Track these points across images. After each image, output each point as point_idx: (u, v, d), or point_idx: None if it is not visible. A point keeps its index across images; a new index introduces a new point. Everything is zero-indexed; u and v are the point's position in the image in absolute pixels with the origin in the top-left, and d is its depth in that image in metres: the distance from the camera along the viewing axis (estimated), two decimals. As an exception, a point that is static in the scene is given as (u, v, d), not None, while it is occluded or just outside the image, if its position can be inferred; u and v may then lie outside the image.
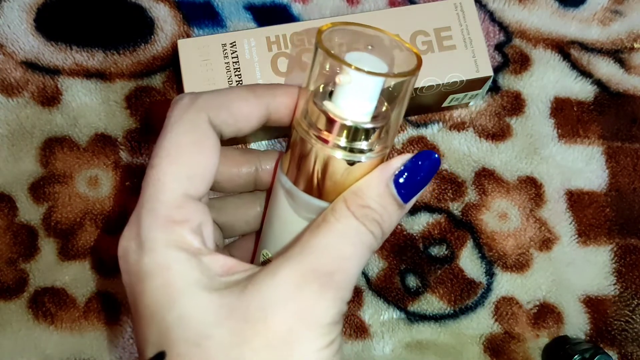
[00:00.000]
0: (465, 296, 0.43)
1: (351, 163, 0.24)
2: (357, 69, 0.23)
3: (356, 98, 0.24)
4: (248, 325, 0.21)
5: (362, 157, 0.24)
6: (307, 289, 0.21)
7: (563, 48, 0.47)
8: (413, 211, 0.44)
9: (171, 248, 0.22)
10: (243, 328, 0.21)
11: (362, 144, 0.24)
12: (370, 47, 0.25)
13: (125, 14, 0.45)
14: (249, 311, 0.21)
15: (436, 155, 0.24)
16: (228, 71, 0.39)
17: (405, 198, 0.24)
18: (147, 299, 0.22)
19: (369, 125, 0.24)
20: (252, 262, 0.30)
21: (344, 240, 0.23)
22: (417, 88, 0.40)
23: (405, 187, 0.24)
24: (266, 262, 0.26)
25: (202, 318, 0.21)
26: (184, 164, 0.24)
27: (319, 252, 0.22)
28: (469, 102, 0.45)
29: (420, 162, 0.24)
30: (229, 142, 0.43)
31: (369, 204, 0.24)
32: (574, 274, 0.43)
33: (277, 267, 0.22)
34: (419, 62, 0.24)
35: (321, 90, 0.25)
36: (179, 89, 0.44)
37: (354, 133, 0.24)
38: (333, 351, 0.22)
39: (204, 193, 0.24)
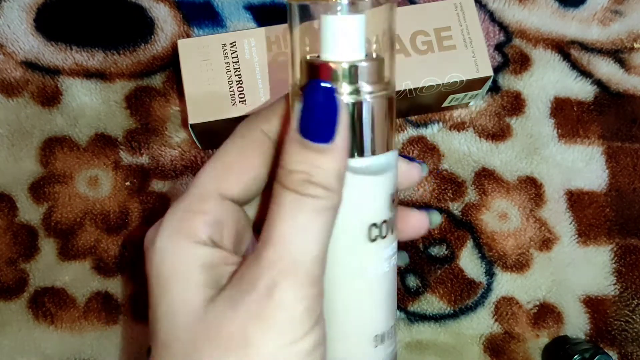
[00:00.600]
0: (465, 296, 0.43)
1: (356, 104, 0.24)
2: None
3: (343, 38, 0.23)
4: (211, 332, 0.21)
5: (367, 97, 0.24)
6: (273, 289, 0.21)
7: (563, 48, 0.47)
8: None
9: (175, 234, 0.22)
10: (208, 335, 0.21)
11: (363, 85, 0.24)
12: None
13: (125, 14, 0.45)
14: (221, 322, 0.21)
15: (323, 84, 0.23)
16: (228, 71, 0.39)
17: (321, 138, 0.22)
18: (151, 285, 0.23)
19: (364, 63, 0.24)
20: None
21: (288, 221, 0.22)
22: (417, 88, 0.40)
23: (312, 127, 0.22)
24: None
25: (181, 319, 0.22)
26: (222, 162, 0.24)
27: (274, 246, 0.21)
28: (469, 102, 0.45)
29: (311, 96, 0.22)
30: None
31: (291, 167, 0.22)
32: (574, 274, 0.43)
33: (243, 274, 0.22)
34: None
35: (308, 57, 0.25)
36: (179, 89, 0.44)
37: (351, 73, 0.23)
38: (309, 344, 0.21)
39: (240, 195, 0.24)
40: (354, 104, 0.24)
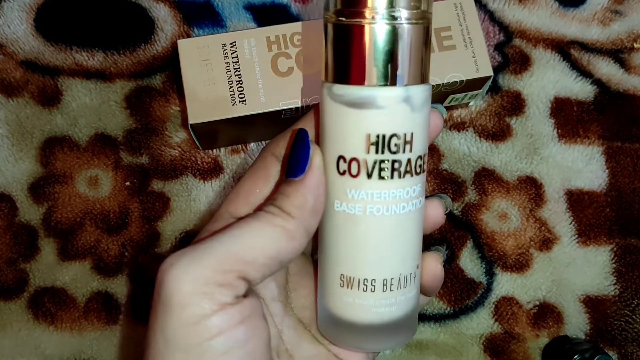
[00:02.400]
0: (465, 296, 0.43)
1: (394, 27, 0.24)
2: None
3: None
4: None
5: (404, 21, 0.24)
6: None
7: (563, 48, 0.47)
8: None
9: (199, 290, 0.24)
10: None
11: (400, 11, 0.24)
12: None
13: (125, 14, 0.45)
14: None
15: (301, 130, 0.27)
16: (228, 71, 0.39)
17: (292, 174, 0.26)
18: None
19: None
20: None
21: (241, 224, 0.25)
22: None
23: (288, 165, 0.26)
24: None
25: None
26: (238, 186, 0.29)
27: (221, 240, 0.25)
28: (468, 102, 0.45)
29: (294, 140, 0.27)
30: (228, 140, 0.43)
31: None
32: (574, 274, 0.43)
33: None
34: None
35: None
36: (179, 89, 0.44)
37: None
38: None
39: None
40: (395, 28, 0.24)
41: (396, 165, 0.25)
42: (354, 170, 0.25)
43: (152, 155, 0.43)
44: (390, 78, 0.25)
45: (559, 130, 0.45)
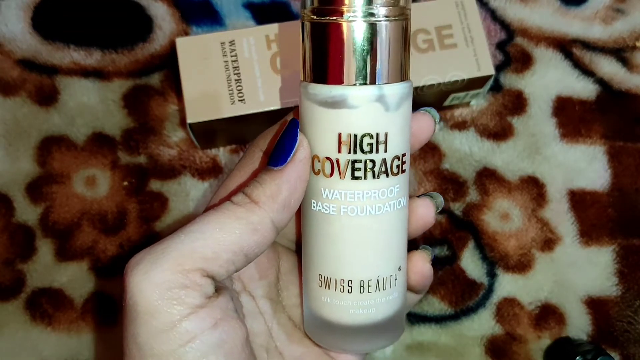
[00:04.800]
0: (466, 297, 0.42)
1: (369, 25, 0.24)
2: None
3: None
4: None
5: (381, 18, 0.24)
6: None
7: (565, 47, 0.46)
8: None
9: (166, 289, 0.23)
10: None
11: (378, 8, 0.24)
12: None
13: (123, 12, 0.45)
14: None
15: (292, 119, 0.26)
16: (227, 70, 0.38)
17: (274, 162, 0.25)
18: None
19: None
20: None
21: (205, 215, 0.24)
22: (417, 87, 0.39)
23: (272, 153, 0.25)
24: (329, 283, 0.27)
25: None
26: (227, 180, 0.28)
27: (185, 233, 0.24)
28: (470, 101, 0.44)
29: (282, 129, 0.26)
30: (221, 140, 0.43)
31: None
32: (576, 274, 0.43)
33: None
34: None
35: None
36: (178, 88, 0.43)
37: None
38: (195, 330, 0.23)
39: None
40: (374, 25, 0.24)
41: (369, 165, 0.25)
42: (327, 170, 0.25)
43: (150, 155, 0.42)
44: (363, 77, 0.24)
45: (561, 130, 0.45)
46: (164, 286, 0.22)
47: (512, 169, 0.44)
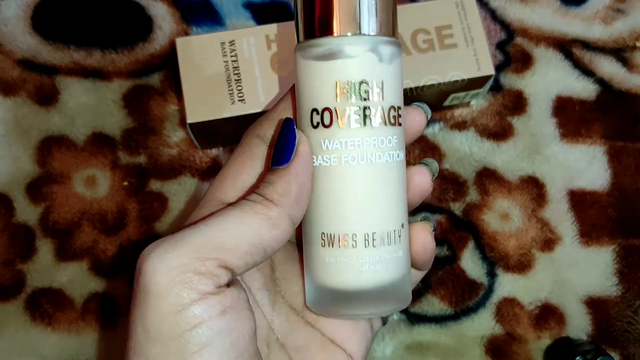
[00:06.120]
0: (466, 297, 0.42)
1: None
2: None
3: None
4: None
5: None
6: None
7: (565, 47, 0.46)
8: (414, 211, 0.43)
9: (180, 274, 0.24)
10: None
11: None
12: None
13: (123, 12, 0.45)
14: None
15: (287, 118, 0.26)
16: (227, 70, 0.38)
17: (277, 162, 0.26)
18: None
19: None
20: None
21: (223, 213, 0.25)
22: (417, 87, 0.39)
23: (274, 153, 0.26)
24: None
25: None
26: (223, 169, 0.28)
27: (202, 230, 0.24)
28: (470, 101, 0.44)
29: (280, 129, 0.26)
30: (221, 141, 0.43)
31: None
32: (576, 274, 0.43)
33: None
34: None
35: None
36: (178, 88, 0.43)
37: None
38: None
39: (237, 198, 0.27)
40: None
41: (367, 112, 0.25)
42: (326, 120, 0.26)
43: (150, 155, 0.42)
44: (357, 28, 0.25)
45: (561, 130, 0.45)
46: (178, 270, 0.23)
47: (512, 169, 0.44)
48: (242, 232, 0.24)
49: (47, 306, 0.40)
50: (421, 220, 0.28)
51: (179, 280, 0.22)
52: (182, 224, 0.26)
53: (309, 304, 0.28)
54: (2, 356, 0.39)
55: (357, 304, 0.27)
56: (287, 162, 0.25)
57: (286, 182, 0.25)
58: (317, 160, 0.26)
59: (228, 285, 0.24)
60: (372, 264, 0.26)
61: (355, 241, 0.26)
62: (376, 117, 0.26)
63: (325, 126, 0.26)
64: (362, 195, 0.26)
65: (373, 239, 0.26)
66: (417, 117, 0.28)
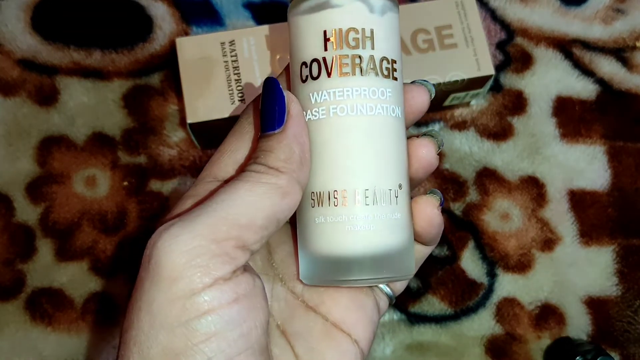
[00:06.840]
0: (466, 297, 0.42)
1: None
2: None
3: None
4: None
5: None
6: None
7: (565, 47, 0.46)
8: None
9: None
10: None
11: None
12: None
13: (123, 12, 0.45)
14: None
15: (268, 78, 0.25)
16: (227, 70, 0.38)
17: (270, 127, 0.24)
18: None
19: None
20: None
21: (228, 189, 0.23)
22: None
23: (263, 119, 0.24)
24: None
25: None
26: (218, 150, 0.27)
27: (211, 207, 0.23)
28: (470, 101, 0.44)
29: (262, 92, 0.25)
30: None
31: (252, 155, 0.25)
32: (576, 274, 0.43)
33: None
34: None
35: None
36: (178, 88, 0.43)
37: None
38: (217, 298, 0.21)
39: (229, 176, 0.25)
40: None
41: (357, 60, 0.25)
42: (315, 72, 0.25)
43: (150, 155, 0.42)
44: None
45: (561, 130, 0.45)
46: (193, 252, 0.21)
47: (512, 169, 0.44)
48: (255, 205, 0.22)
49: (47, 306, 0.40)
50: (428, 194, 0.27)
51: (193, 264, 0.21)
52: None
53: (302, 276, 0.27)
54: (2, 356, 0.39)
55: (351, 268, 0.24)
56: (280, 126, 0.24)
57: (287, 147, 0.24)
58: (306, 115, 0.25)
59: (244, 270, 0.23)
60: (365, 224, 0.24)
61: (345, 197, 0.24)
62: (367, 66, 0.25)
63: (313, 78, 0.25)
64: (351, 148, 0.24)
65: (365, 197, 0.24)
66: (418, 93, 0.27)
